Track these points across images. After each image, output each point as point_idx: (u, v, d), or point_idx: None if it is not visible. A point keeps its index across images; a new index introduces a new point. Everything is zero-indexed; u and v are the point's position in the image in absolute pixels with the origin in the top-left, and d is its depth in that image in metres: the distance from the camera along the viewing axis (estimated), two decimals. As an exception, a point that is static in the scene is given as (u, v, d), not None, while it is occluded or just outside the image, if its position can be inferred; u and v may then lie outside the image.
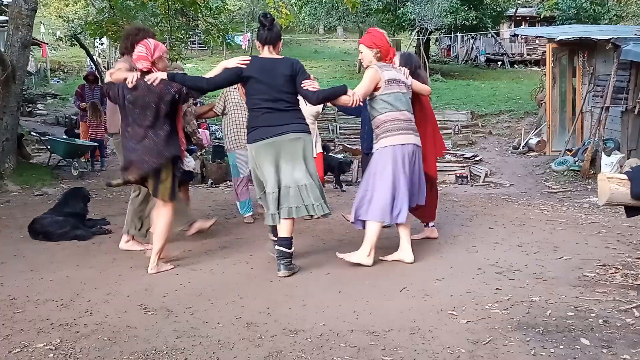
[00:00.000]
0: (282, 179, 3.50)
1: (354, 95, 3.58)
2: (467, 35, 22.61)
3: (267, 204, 3.58)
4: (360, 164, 7.09)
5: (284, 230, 3.53)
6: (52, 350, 2.49)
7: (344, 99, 3.60)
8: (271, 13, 4.65)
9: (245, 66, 3.50)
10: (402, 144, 3.67)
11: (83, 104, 9.00)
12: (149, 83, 3.52)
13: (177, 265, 3.78)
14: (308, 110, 5.20)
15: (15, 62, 7.19)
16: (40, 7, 12.34)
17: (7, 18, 7.92)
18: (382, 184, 3.68)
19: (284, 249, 3.53)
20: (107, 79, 3.78)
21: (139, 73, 3.57)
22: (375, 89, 3.70)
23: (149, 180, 3.65)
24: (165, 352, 2.47)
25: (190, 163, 4.52)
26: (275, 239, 3.64)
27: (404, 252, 3.83)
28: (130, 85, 3.54)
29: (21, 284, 3.42)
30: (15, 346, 2.53)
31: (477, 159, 10.38)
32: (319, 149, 5.53)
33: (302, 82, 3.50)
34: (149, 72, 3.58)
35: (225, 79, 3.58)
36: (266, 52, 3.58)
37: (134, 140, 3.59)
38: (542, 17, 22.45)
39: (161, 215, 3.65)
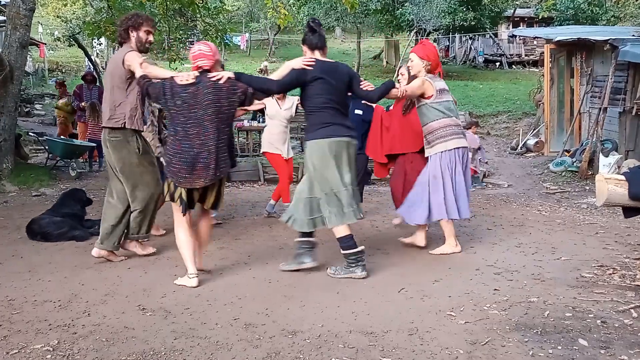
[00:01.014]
0: (344, 179, 3.50)
1: (401, 88, 3.85)
2: (466, 36, 22.63)
3: (330, 202, 3.47)
4: None
5: (343, 230, 3.52)
6: (50, 352, 2.48)
7: (394, 92, 3.80)
8: (270, 13, 4.68)
9: (311, 67, 3.47)
10: (456, 148, 3.96)
11: (83, 104, 8.98)
12: (214, 80, 3.28)
13: (176, 266, 3.77)
14: (283, 114, 5.31)
15: (13, 62, 7.18)
16: (38, 7, 12.31)
17: (5, 18, 7.90)
18: (441, 186, 3.95)
19: (355, 250, 3.50)
20: (139, 72, 3.48)
21: (196, 71, 3.34)
22: (425, 97, 3.95)
23: (209, 190, 3.36)
24: (163, 353, 2.46)
25: None
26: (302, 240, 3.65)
27: (449, 244, 4.10)
28: (187, 82, 3.25)
29: (19, 284, 3.42)
30: (13, 347, 2.53)
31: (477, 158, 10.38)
32: (291, 154, 5.52)
33: (361, 83, 3.64)
34: (207, 71, 3.34)
35: (294, 80, 3.48)
36: (318, 56, 3.59)
37: (190, 142, 3.27)
38: (540, 17, 22.50)
39: (206, 222, 3.61)
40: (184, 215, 3.39)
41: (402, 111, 4.38)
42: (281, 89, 3.60)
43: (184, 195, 3.35)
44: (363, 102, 4.83)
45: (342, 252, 3.54)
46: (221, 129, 3.32)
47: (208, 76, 3.31)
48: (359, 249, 3.52)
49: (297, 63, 3.48)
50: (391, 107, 4.69)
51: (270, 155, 5.48)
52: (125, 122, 3.77)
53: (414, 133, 4.26)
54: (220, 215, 5.35)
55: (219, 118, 3.30)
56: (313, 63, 3.48)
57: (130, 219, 3.89)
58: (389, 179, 4.78)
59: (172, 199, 3.38)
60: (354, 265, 3.50)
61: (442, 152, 3.95)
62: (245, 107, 3.85)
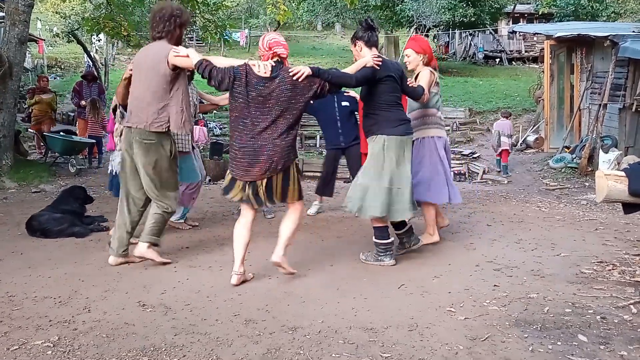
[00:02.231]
0: (404, 175, 3.62)
1: (425, 91, 3.97)
2: (466, 32, 22.59)
3: (381, 196, 3.54)
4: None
5: (382, 221, 3.69)
6: (50, 348, 2.49)
7: (424, 98, 4.01)
8: (270, 9, 4.68)
9: (379, 65, 3.52)
10: (443, 137, 4.16)
11: (83, 102, 8.96)
12: (292, 76, 3.19)
13: (176, 262, 3.77)
14: None
15: (12, 59, 7.16)
16: (36, 3, 12.28)
17: (3, 14, 7.88)
18: (437, 169, 4.06)
19: (386, 241, 3.69)
20: (196, 57, 3.30)
21: (272, 62, 3.23)
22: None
23: (273, 182, 3.26)
24: (163, 349, 2.47)
25: None
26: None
27: (427, 233, 4.16)
28: (265, 74, 3.16)
29: (19, 281, 3.42)
30: (14, 343, 2.53)
31: (474, 156, 10.39)
32: None
33: (408, 81, 3.83)
34: (282, 61, 3.26)
35: (369, 76, 3.49)
36: (375, 53, 3.65)
37: (256, 135, 3.18)
38: (540, 14, 22.48)
39: (293, 214, 3.39)
40: (253, 210, 3.35)
41: None
42: (358, 84, 3.58)
43: (248, 190, 3.25)
44: (346, 93, 5.09)
45: (375, 240, 3.73)
46: (291, 124, 3.23)
47: (287, 71, 3.21)
48: (390, 240, 3.71)
49: (369, 60, 3.49)
50: None
51: None
52: (169, 126, 3.48)
53: None
54: (219, 211, 5.35)
55: (291, 114, 3.22)
56: (381, 60, 3.54)
57: (151, 221, 3.66)
58: None
59: (238, 197, 3.30)
60: (382, 254, 3.71)
61: (439, 137, 4.12)
62: None
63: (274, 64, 3.22)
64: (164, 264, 3.71)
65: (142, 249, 3.65)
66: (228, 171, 3.35)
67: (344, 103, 5.14)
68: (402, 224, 3.77)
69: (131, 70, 3.64)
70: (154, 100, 3.45)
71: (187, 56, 3.35)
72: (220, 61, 3.32)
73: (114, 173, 4.73)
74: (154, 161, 3.53)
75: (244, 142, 3.22)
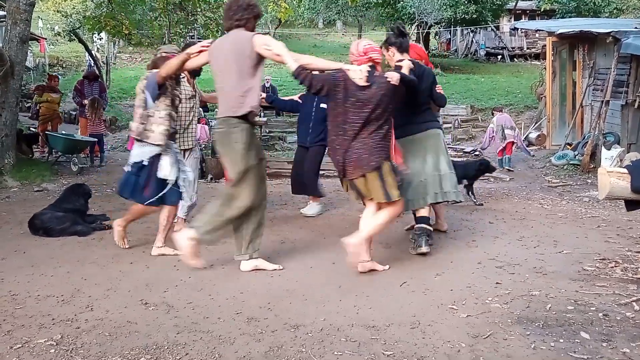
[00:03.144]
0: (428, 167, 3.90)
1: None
2: (467, 29, 22.54)
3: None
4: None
5: (426, 210, 3.91)
6: (53, 346, 2.49)
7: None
8: (271, 6, 4.70)
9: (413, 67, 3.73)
10: None
11: (85, 101, 8.98)
12: (388, 81, 3.32)
13: (177, 261, 3.78)
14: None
15: (14, 58, 7.17)
16: (38, 2, 12.29)
17: (5, 13, 7.89)
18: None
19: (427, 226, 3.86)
20: (292, 61, 3.29)
21: (367, 67, 3.33)
22: None
23: (368, 182, 3.36)
24: (166, 347, 2.47)
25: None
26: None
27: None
28: (363, 83, 3.28)
29: (22, 279, 3.43)
30: (17, 342, 2.54)
31: (476, 153, 10.37)
32: None
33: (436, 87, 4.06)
34: (374, 67, 3.39)
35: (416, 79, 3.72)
36: (406, 57, 3.82)
37: (352, 138, 3.32)
38: (542, 10, 22.42)
39: (382, 212, 3.44)
40: (363, 203, 3.60)
41: None
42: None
43: (351, 189, 3.49)
44: None
45: (416, 225, 3.88)
46: (380, 124, 3.35)
47: (382, 76, 3.35)
48: (430, 227, 3.90)
49: (410, 64, 3.67)
50: None
51: None
52: (251, 110, 3.40)
53: None
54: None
55: (384, 117, 3.35)
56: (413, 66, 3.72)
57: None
58: None
59: (352, 195, 3.60)
60: (418, 238, 3.81)
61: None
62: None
63: (369, 69, 3.33)
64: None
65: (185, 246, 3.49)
66: None
67: (323, 105, 5.13)
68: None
69: (202, 50, 3.55)
70: (235, 87, 3.38)
71: (279, 55, 3.33)
72: (317, 63, 3.40)
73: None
74: (230, 145, 3.42)
75: (339, 144, 3.38)
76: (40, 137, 9.32)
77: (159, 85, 3.73)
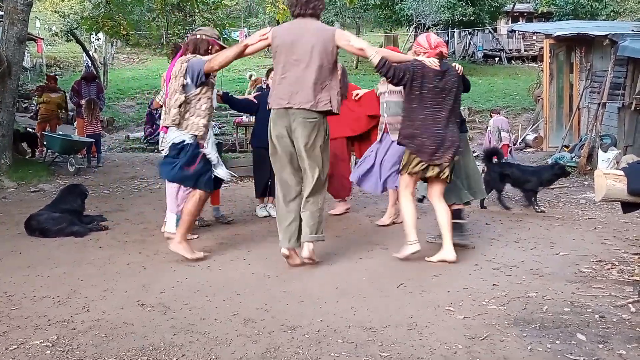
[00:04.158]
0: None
1: None
2: (465, 31, 22.58)
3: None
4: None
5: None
6: (49, 347, 2.48)
7: None
8: (269, 7, 4.70)
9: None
10: None
11: (82, 101, 8.96)
12: (457, 71, 3.65)
13: (174, 262, 3.77)
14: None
15: (11, 58, 7.15)
16: (35, 2, 12.27)
17: (2, 13, 7.88)
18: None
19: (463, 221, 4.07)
20: (374, 53, 3.44)
21: (436, 59, 3.59)
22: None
23: (443, 166, 3.62)
24: (162, 349, 2.47)
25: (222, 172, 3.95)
26: None
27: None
28: (437, 67, 3.55)
29: (18, 280, 3.42)
30: (12, 343, 2.53)
31: (474, 155, 10.38)
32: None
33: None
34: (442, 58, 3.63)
35: None
36: None
37: (439, 124, 3.57)
38: (539, 13, 22.47)
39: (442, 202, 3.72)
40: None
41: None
42: None
43: (432, 172, 3.63)
44: None
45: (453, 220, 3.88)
46: (456, 113, 3.71)
47: (452, 66, 3.65)
48: (465, 221, 4.10)
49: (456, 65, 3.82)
50: None
51: None
52: (331, 106, 3.44)
53: (353, 119, 5.06)
54: (219, 213, 5.34)
55: (457, 103, 3.69)
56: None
57: (307, 214, 3.51)
58: (336, 170, 5.05)
59: (411, 173, 3.66)
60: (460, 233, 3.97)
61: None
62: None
63: (438, 61, 3.58)
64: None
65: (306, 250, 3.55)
66: (409, 153, 3.65)
67: None
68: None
69: (262, 39, 3.48)
70: (316, 80, 3.37)
71: (362, 49, 3.43)
72: (392, 55, 3.59)
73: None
74: (315, 139, 3.44)
75: (431, 131, 3.56)
76: (38, 138, 9.31)
77: (206, 74, 3.63)
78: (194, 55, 3.76)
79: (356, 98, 5.13)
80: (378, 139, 4.80)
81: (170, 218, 4.34)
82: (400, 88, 4.48)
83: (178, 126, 3.68)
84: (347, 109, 4.92)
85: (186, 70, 3.63)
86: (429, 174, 3.64)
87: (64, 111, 10.01)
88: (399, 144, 3.80)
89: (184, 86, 3.65)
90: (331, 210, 5.23)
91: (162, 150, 4.01)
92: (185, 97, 3.65)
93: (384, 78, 3.64)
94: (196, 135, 3.72)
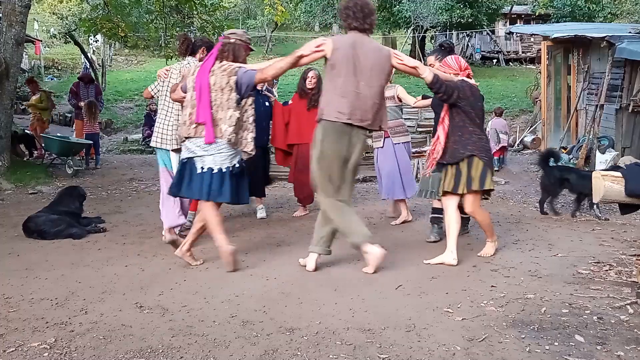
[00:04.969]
0: None
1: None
2: (463, 32, 22.60)
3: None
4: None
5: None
6: (47, 349, 2.48)
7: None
8: (267, 9, 4.69)
9: None
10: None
11: (81, 103, 8.95)
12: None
13: (173, 264, 3.77)
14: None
15: (9, 59, 7.15)
16: (33, 4, 12.26)
17: (0, 15, 7.88)
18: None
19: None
20: (428, 72, 3.57)
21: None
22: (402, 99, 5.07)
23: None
24: (160, 351, 2.46)
25: None
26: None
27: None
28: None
29: (15, 282, 3.41)
30: (10, 345, 2.52)
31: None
32: None
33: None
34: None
35: None
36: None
37: (486, 141, 3.89)
38: (537, 15, 22.50)
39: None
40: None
41: (307, 108, 5.12)
42: None
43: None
44: (265, 94, 5.31)
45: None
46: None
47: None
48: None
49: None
50: (290, 102, 5.43)
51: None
52: (384, 126, 3.63)
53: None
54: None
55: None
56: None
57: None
58: (296, 175, 5.27)
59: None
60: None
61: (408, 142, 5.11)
62: None
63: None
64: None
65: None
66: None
67: (267, 104, 5.27)
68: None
69: (318, 51, 3.43)
70: (375, 99, 3.46)
71: (415, 67, 3.54)
72: (441, 74, 3.67)
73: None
74: (361, 154, 3.57)
75: (474, 140, 3.77)
76: (35, 139, 9.29)
77: (254, 85, 3.55)
78: (234, 64, 3.55)
79: None
80: (379, 144, 5.04)
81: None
82: (395, 94, 4.94)
83: (234, 145, 3.53)
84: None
85: (236, 83, 3.48)
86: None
87: (48, 112, 9.81)
88: (473, 155, 3.78)
89: (236, 101, 3.50)
90: (295, 213, 5.43)
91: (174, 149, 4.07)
92: (239, 113, 3.51)
93: (436, 94, 3.72)
94: (249, 153, 3.61)
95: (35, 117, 9.53)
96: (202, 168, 3.52)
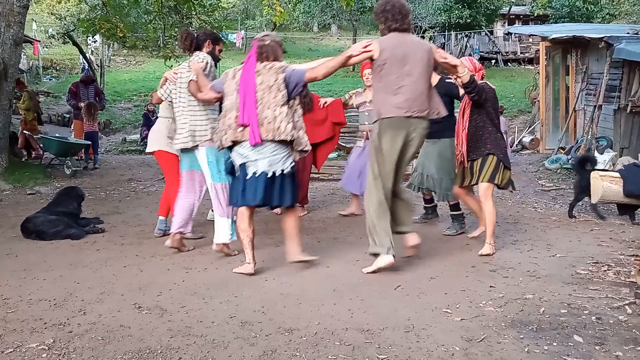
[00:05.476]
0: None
1: None
2: (461, 33, 22.64)
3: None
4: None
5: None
6: (45, 350, 2.47)
7: None
8: (266, 10, 4.66)
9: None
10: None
11: (81, 104, 8.94)
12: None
13: (171, 264, 3.76)
14: None
15: (7, 60, 7.14)
16: (32, 4, 12.24)
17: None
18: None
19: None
20: (468, 73, 3.75)
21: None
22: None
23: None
24: (159, 352, 2.46)
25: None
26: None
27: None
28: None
29: (14, 283, 3.40)
30: (8, 346, 2.52)
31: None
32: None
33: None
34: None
35: None
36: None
37: (494, 132, 4.05)
38: (535, 15, 22.55)
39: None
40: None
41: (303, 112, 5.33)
42: None
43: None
44: None
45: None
46: None
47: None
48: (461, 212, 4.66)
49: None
50: None
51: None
52: (441, 113, 3.65)
53: (319, 125, 5.20)
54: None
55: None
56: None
57: (407, 209, 3.73)
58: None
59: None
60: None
61: None
62: None
63: None
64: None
65: (414, 239, 3.70)
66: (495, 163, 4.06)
67: None
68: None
69: (366, 52, 3.47)
70: (427, 91, 3.58)
71: (455, 65, 3.70)
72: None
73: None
74: (420, 147, 3.72)
75: (494, 138, 4.05)
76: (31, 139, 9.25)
77: (304, 84, 3.53)
78: (280, 63, 3.53)
79: (325, 105, 5.30)
80: (360, 145, 5.27)
81: (223, 224, 3.94)
82: (368, 99, 4.99)
83: (291, 143, 3.49)
84: (314, 116, 5.13)
85: (284, 81, 3.44)
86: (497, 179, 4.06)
87: (27, 112, 9.45)
88: (491, 153, 4.05)
89: (286, 99, 3.45)
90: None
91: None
92: (291, 111, 3.50)
93: (469, 94, 3.90)
94: (304, 151, 3.58)
95: (22, 118, 9.45)
96: (255, 173, 3.43)
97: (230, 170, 3.60)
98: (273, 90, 3.42)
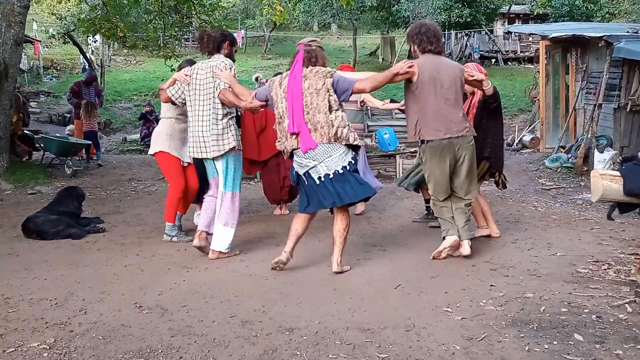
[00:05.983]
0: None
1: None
2: (461, 32, 22.63)
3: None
4: None
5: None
6: (46, 350, 2.48)
7: None
8: (266, 9, 4.68)
9: None
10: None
11: (83, 102, 8.95)
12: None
13: (172, 264, 3.77)
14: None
15: (8, 60, 7.15)
16: (32, 4, 12.24)
17: (-1, 15, 7.88)
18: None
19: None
20: (491, 87, 3.96)
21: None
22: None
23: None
24: (160, 351, 2.46)
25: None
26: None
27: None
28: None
29: (15, 283, 3.41)
30: (10, 345, 2.52)
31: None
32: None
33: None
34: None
35: None
36: None
37: (497, 137, 4.25)
38: (535, 14, 22.54)
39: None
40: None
41: None
42: None
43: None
44: None
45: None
46: None
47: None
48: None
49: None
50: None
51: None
52: (473, 132, 3.84)
53: None
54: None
55: None
56: None
57: (466, 216, 3.87)
58: (263, 175, 5.54)
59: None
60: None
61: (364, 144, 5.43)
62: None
63: None
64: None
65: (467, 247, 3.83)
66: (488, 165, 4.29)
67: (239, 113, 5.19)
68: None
69: (410, 72, 3.58)
70: (461, 111, 3.79)
71: (480, 81, 3.86)
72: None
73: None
74: (473, 159, 3.82)
75: (501, 143, 4.32)
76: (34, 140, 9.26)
77: (351, 93, 3.55)
78: (327, 68, 3.56)
79: None
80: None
81: (225, 233, 3.89)
82: (358, 99, 5.18)
83: (346, 141, 3.48)
84: None
85: (333, 86, 3.44)
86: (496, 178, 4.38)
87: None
88: (486, 158, 4.23)
89: (337, 103, 3.47)
90: (274, 211, 5.55)
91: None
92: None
93: (491, 105, 4.08)
94: (358, 145, 3.59)
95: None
96: (320, 178, 3.46)
97: (297, 181, 3.64)
98: (321, 93, 3.41)
